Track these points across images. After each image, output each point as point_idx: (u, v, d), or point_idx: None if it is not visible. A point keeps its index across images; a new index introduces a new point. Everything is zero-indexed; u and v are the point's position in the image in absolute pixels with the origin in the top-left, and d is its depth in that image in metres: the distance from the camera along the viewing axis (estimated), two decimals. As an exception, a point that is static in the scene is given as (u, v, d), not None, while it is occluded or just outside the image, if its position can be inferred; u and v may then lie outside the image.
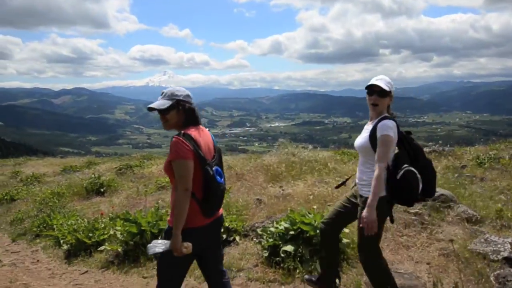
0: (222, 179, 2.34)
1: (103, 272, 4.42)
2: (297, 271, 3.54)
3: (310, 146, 10.36)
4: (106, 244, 4.83)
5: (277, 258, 3.71)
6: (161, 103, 2.33)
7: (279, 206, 5.22)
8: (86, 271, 4.50)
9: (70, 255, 5.02)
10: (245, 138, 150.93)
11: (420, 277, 3.32)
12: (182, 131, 2.27)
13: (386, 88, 2.67)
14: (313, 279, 3.15)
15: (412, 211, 4.36)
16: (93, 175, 9.14)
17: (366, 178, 2.67)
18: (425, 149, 8.23)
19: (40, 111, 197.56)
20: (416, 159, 2.63)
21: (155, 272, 4.09)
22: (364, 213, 2.50)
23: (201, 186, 2.22)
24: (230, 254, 4.19)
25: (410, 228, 4.10)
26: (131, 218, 4.74)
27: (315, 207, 4.48)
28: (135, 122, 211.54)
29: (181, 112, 2.33)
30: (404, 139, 2.68)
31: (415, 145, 2.69)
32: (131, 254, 4.56)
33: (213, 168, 2.25)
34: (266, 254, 3.85)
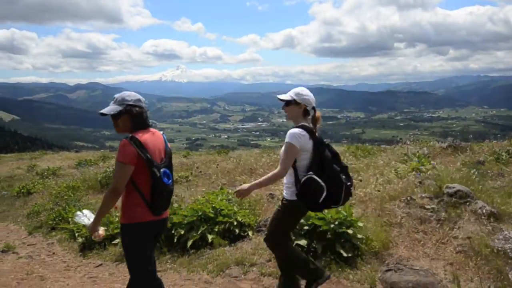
0: (170, 181, 2.47)
1: (117, 265, 4.46)
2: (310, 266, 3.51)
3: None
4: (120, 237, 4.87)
5: (291, 253, 3.68)
6: (111, 108, 2.50)
7: (292, 201, 5.18)
8: (101, 264, 4.54)
9: (85, 248, 5.08)
10: (257, 133, 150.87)
11: (437, 274, 3.26)
12: (131, 135, 2.38)
13: (288, 98, 2.90)
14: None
15: (428, 207, 4.28)
16: (107, 169, 9.24)
17: (286, 181, 2.89)
18: (441, 144, 8.11)
19: (56, 105, 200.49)
20: (323, 169, 2.75)
21: (168, 266, 4.13)
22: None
23: (149, 186, 2.37)
24: (243, 249, 4.19)
25: (426, 225, 4.03)
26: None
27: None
28: (148, 117, 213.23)
29: (130, 117, 2.46)
30: (317, 148, 2.80)
31: (326, 156, 2.80)
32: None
33: (161, 170, 2.38)
34: (279, 249, 3.83)
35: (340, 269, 3.45)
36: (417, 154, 7.16)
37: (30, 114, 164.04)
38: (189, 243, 4.34)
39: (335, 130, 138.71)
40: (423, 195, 4.61)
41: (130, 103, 2.46)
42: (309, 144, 2.78)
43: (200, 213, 4.61)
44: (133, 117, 2.46)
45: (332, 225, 3.64)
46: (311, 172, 2.74)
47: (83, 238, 5.18)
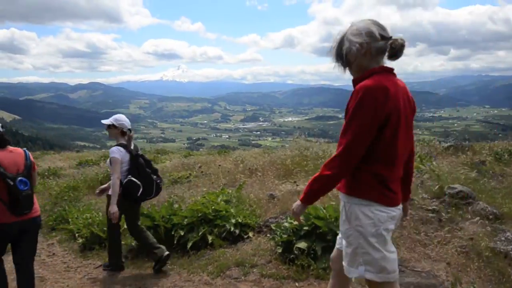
0: (26, 187, 3.05)
1: (117, 266, 4.44)
2: (311, 268, 3.50)
3: (322, 140, 10.26)
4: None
5: (291, 255, 3.67)
6: None
7: (293, 201, 5.15)
8: (101, 265, 4.52)
9: (85, 249, 5.07)
10: (258, 132, 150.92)
11: (438, 275, 3.23)
12: None
13: (108, 123, 3.98)
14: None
15: (430, 208, 4.26)
16: (108, 169, 9.24)
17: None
18: (443, 145, 8.08)
19: (57, 105, 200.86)
20: (138, 172, 3.90)
21: (168, 267, 4.11)
22: (110, 208, 3.82)
23: (6, 193, 2.97)
24: (244, 250, 4.17)
25: (428, 225, 4.01)
26: (145, 212, 4.75)
27: (333, 202, 4.41)
28: (149, 117, 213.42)
29: None
30: (133, 158, 3.93)
31: (140, 163, 3.95)
32: (145, 249, 4.57)
33: (17, 179, 2.99)
34: (280, 251, 3.81)
35: (340, 271, 3.43)
36: (418, 154, 7.14)
37: (31, 114, 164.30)
38: (189, 244, 4.33)
39: (336, 130, 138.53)
40: (424, 196, 4.59)
41: None
42: (127, 156, 3.91)
43: (200, 214, 4.59)
44: None
45: (332, 226, 3.62)
46: (130, 176, 3.87)
47: (84, 239, 5.17)
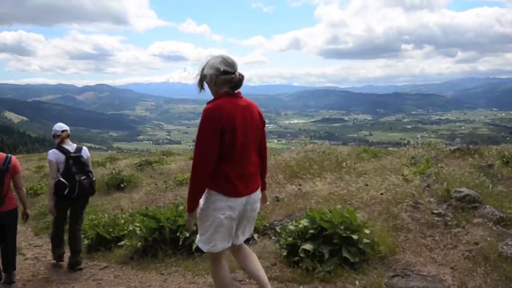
0: None
1: (122, 267, 4.47)
2: (316, 271, 3.48)
3: (327, 143, 10.22)
4: (126, 240, 4.88)
5: (296, 258, 3.66)
6: None
7: (298, 204, 5.16)
8: (106, 267, 4.55)
9: (91, 250, 5.10)
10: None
11: (444, 280, 3.20)
12: None
13: (52, 133, 4.62)
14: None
15: (436, 211, 4.23)
16: (113, 171, 9.28)
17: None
18: (449, 147, 8.03)
19: (64, 107, 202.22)
20: (67, 173, 4.36)
21: (173, 269, 4.12)
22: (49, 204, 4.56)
23: None
24: (248, 252, 4.16)
25: (434, 229, 3.98)
26: (150, 214, 4.77)
27: (339, 206, 4.40)
28: (155, 119, 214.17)
29: None
30: (66, 161, 4.40)
31: (69, 165, 4.39)
32: (150, 250, 4.58)
33: None
34: (285, 253, 3.80)
35: (346, 274, 3.42)
36: (425, 157, 7.10)
37: (39, 115, 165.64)
38: (194, 245, 4.33)
39: (342, 132, 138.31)
40: (431, 199, 4.55)
41: None
42: (62, 158, 4.38)
43: (205, 216, 4.59)
44: None
45: (338, 230, 3.61)
46: (59, 176, 4.35)
47: (89, 240, 5.20)
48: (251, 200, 2.63)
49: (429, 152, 7.73)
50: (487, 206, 4.26)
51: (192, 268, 4.05)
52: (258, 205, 2.74)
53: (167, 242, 4.55)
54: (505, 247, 3.45)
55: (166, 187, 8.00)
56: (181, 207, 5.08)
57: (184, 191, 7.13)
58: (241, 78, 2.54)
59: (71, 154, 4.44)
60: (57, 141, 4.51)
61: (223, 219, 2.50)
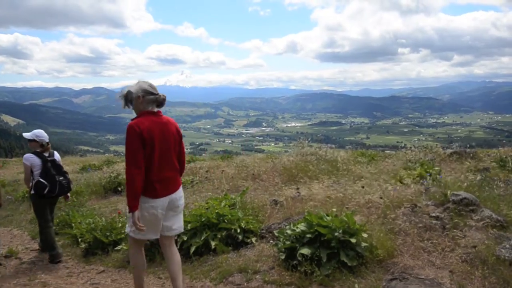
0: None
1: (119, 271, 4.44)
2: (315, 274, 3.48)
3: (325, 146, 10.23)
4: (123, 243, 4.86)
5: (294, 261, 3.65)
6: None
7: (296, 207, 5.15)
8: (103, 270, 4.52)
9: (88, 254, 5.07)
10: (262, 138, 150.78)
11: (442, 283, 3.21)
12: None
13: (30, 137, 4.91)
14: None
15: (434, 215, 4.24)
16: (111, 174, 9.24)
17: (31, 184, 4.88)
18: (446, 151, 8.05)
19: (61, 110, 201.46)
20: (46, 175, 4.82)
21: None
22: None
23: None
24: (246, 256, 4.16)
25: (432, 232, 3.98)
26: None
27: (334, 209, 4.40)
28: None
29: None
30: (43, 163, 4.84)
31: (48, 167, 4.85)
32: (148, 254, 4.56)
33: None
34: (283, 257, 3.80)
35: (344, 278, 3.42)
36: (422, 160, 7.12)
37: (35, 118, 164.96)
38: (192, 249, 4.32)
39: (339, 135, 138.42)
40: (428, 203, 4.56)
41: None
42: (38, 161, 4.82)
43: (203, 219, 4.59)
44: None
45: (336, 234, 3.61)
46: (38, 177, 4.78)
47: (86, 244, 5.17)
48: (173, 199, 3.16)
49: (426, 156, 7.75)
50: (485, 209, 4.27)
51: (190, 272, 4.04)
52: (182, 201, 3.28)
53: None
54: (502, 250, 3.46)
55: (164, 190, 7.98)
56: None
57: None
58: (164, 98, 3.15)
59: (48, 158, 4.92)
60: (40, 149, 4.93)
61: (148, 217, 3.02)
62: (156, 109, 3.14)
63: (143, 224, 2.95)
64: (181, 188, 3.28)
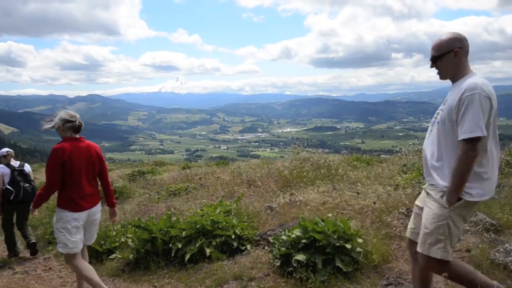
0: None
1: (114, 280, 4.41)
2: (310, 281, 3.46)
3: (320, 151, 10.23)
4: (117, 252, 4.82)
5: (289, 268, 3.64)
6: None
7: (291, 213, 5.14)
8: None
9: (82, 263, 5.02)
10: (257, 143, 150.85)
11: (437, 288, 3.20)
12: None
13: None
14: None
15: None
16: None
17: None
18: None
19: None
20: (13, 182, 5.62)
21: (166, 281, 4.07)
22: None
23: None
24: (241, 263, 4.13)
25: (426, 237, 3.98)
26: (142, 225, 4.73)
27: (329, 214, 4.40)
28: (147, 128, 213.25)
29: None
30: (12, 172, 5.67)
31: (15, 175, 5.68)
32: (142, 262, 4.54)
33: None
34: (278, 264, 3.78)
35: (339, 284, 3.40)
36: (416, 164, 7.14)
37: (30, 126, 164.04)
38: (187, 257, 4.29)
39: (335, 140, 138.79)
40: (423, 207, 4.57)
41: None
42: (8, 171, 5.66)
43: (198, 226, 4.57)
44: None
45: (331, 239, 3.60)
46: (7, 185, 5.57)
47: (80, 253, 5.12)
48: (92, 213, 3.67)
49: (420, 160, 7.77)
50: (479, 213, 4.29)
51: (185, 280, 4.01)
52: (98, 215, 3.81)
53: (159, 253, 4.51)
54: (497, 254, 3.47)
55: (159, 197, 7.95)
56: (174, 218, 5.05)
57: (177, 202, 7.09)
58: (80, 124, 3.67)
59: (16, 168, 5.76)
60: (6, 160, 5.77)
61: (71, 229, 3.49)
62: (78, 135, 3.67)
63: (68, 236, 3.49)
64: (99, 204, 3.79)
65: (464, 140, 2.27)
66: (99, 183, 3.84)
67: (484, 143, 2.33)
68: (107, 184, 3.89)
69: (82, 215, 3.56)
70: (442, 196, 2.39)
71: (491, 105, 2.36)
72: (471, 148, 2.26)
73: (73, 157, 3.49)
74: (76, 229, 3.52)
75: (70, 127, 3.61)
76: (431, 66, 2.58)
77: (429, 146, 2.56)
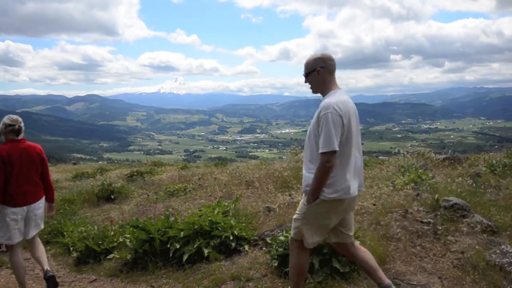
0: None
1: (111, 280, 4.41)
2: (307, 281, 3.48)
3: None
4: (115, 252, 4.83)
5: (287, 269, 3.65)
6: None
7: (289, 214, 5.15)
8: (95, 279, 4.49)
9: (80, 263, 5.03)
10: (256, 144, 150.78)
11: (434, 289, 3.22)
12: None
13: None
14: None
15: (425, 220, 4.26)
16: (104, 182, 9.19)
17: None
18: (438, 156, 8.11)
19: (54, 117, 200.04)
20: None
21: (164, 281, 4.08)
22: None
23: None
24: (239, 264, 4.15)
25: (423, 238, 4.01)
26: (140, 225, 4.73)
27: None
28: (146, 129, 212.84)
29: None
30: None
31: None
32: (140, 262, 4.54)
33: None
34: (276, 264, 3.80)
35: (337, 285, 3.42)
36: (414, 166, 7.16)
37: (28, 126, 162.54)
38: (185, 257, 4.30)
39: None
40: (420, 208, 4.59)
41: None
42: None
43: (196, 227, 4.58)
44: None
45: (327, 240, 3.61)
46: None
47: (78, 253, 5.13)
48: (32, 208, 3.97)
49: (418, 161, 7.80)
50: (475, 215, 4.31)
51: (183, 280, 4.02)
52: (40, 211, 4.07)
53: (157, 253, 4.52)
54: (493, 255, 3.49)
55: (157, 198, 7.95)
56: (172, 218, 5.06)
57: (176, 202, 7.10)
58: (19, 128, 3.97)
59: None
60: None
61: (9, 221, 3.81)
62: (19, 137, 3.97)
63: (8, 228, 3.81)
64: (41, 200, 4.09)
65: (321, 153, 2.64)
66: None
67: (344, 152, 2.73)
68: (48, 181, 4.22)
69: (21, 210, 3.88)
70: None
71: (343, 122, 2.69)
72: (327, 160, 2.62)
73: (13, 157, 3.83)
74: (14, 222, 3.85)
75: (11, 130, 3.94)
76: (305, 82, 2.99)
77: (304, 156, 2.96)
